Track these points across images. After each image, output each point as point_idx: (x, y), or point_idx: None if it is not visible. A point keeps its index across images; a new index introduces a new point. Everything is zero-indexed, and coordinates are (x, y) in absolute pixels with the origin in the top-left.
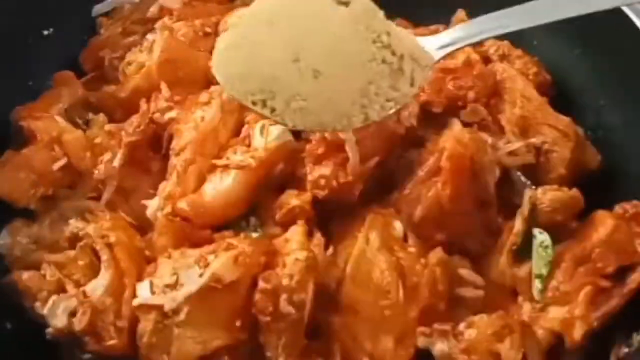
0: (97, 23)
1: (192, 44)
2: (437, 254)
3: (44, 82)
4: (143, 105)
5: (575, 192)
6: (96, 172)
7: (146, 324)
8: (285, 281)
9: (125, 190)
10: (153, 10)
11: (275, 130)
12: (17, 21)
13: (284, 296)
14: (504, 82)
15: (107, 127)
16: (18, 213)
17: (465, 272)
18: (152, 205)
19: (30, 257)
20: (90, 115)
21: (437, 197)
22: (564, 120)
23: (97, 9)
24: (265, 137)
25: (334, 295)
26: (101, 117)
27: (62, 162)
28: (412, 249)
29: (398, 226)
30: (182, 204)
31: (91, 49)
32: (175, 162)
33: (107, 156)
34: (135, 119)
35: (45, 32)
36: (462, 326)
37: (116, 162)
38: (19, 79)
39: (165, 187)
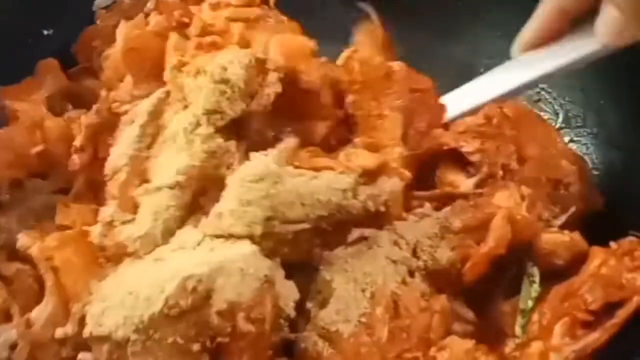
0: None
1: (161, 33)
2: (440, 300)
3: None
4: (103, 92)
5: (576, 235)
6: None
7: (99, 356)
8: (240, 299)
9: (96, 183)
10: (149, 5)
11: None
12: (17, 21)
13: (241, 314)
14: None
15: (67, 114)
16: None
17: (457, 305)
18: (94, 233)
19: None
20: (70, 107)
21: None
22: (575, 153)
23: (98, 2)
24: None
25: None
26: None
27: (40, 147)
28: (415, 288)
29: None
30: None
31: (84, 39)
32: (110, 187)
33: (77, 142)
34: (95, 106)
35: (45, 32)
36: (433, 350)
37: (77, 142)
38: (19, 79)
39: (106, 212)
